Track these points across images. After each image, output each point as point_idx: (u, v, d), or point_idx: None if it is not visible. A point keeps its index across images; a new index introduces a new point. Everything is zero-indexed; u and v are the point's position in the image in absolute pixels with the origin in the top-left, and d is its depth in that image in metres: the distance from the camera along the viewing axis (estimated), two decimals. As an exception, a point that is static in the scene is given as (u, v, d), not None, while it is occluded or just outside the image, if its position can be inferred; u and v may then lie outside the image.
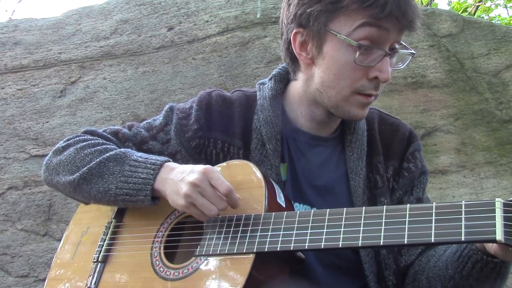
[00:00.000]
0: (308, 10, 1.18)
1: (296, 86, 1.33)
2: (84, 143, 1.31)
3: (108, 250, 1.28)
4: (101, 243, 1.29)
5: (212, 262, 1.08)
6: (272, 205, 1.10)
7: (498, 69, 2.95)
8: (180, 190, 1.09)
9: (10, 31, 3.06)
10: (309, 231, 1.00)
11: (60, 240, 1.45)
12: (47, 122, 2.81)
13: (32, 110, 2.84)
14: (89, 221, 1.40)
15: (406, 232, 0.91)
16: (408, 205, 0.94)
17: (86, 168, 1.24)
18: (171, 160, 1.23)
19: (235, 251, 1.05)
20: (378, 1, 1.11)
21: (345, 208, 1.00)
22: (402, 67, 1.26)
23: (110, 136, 1.38)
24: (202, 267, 1.08)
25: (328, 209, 1.02)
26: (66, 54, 2.97)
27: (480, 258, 1.05)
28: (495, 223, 0.84)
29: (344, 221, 0.98)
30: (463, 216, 0.87)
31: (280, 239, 1.02)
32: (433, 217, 0.90)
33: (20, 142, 2.76)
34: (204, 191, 1.07)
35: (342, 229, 0.97)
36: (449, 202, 0.92)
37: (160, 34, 2.99)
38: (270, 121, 1.30)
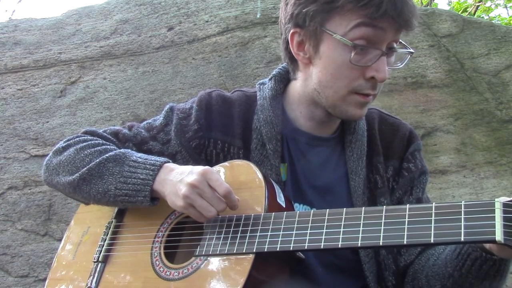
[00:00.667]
0: (304, 10, 1.18)
1: (296, 86, 1.33)
2: (84, 144, 1.31)
3: (108, 250, 1.28)
4: (102, 243, 1.30)
5: (212, 262, 1.08)
6: (272, 205, 1.10)
7: (498, 69, 2.95)
8: (179, 191, 1.09)
9: (10, 31, 3.06)
10: (308, 231, 1.00)
11: (60, 240, 1.45)
12: (47, 122, 2.81)
13: (32, 110, 2.84)
14: (89, 221, 1.40)
15: (405, 233, 0.91)
16: (407, 205, 0.94)
17: (85, 168, 1.24)
18: (170, 161, 1.23)
19: (235, 251, 1.05)
20: (373, 1, 1.11)
21: (344, 209, 1.00)
22: (401, 66, 1.25)
23: (110, 137, 1.38)
24: (202, 267, 1.08)
25: (327, 209, 1.02)
26: (66, 54, 2.97)
27: (479, 256, 1.04)
28: (495, 223, 0.83)
29: (344, 221, 0.98)
30: (462, 216, 0.87)
31: (279, 239, 1.02)
32: (433, 218, 0.90)
33: (20, 142, 2.76)
34: (202, 193, 1.07)
35: (342, 230, 0.97)
36: (448, 202, 0.92)
37: (160, 34, 2.99)
38: (270, 121, 1.30)
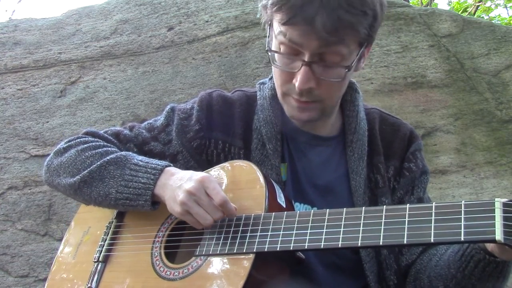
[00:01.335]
0: (259, 9, 1.20)
1: None
2: (85, 145, 1.30)
3: (109, 250, 1.28)
4: (102, 243, 1.30)
5: (212, 262, 1.08)
6: (273, 205, 1.10)
7: (498, 69, 2.95)
8: (177, 197, 1.09)
9: (10, 31, 3.06)
10: (308, 231, 1.00)
11: (60, 240, 1.45)
12: (47, 122, 2.81)
13: (32, 110, 2.84)
14: (90, 221, 1.40)
15: (405, 232, 0.91)
16: (407, 205, 0.94)
17: (87, 171, 1.24)
18: (171, 164, 1.23)
19: (235, 251, 1.05)
20: (285, 5, 1.07)
21: (344, 208, 1.00)
22: (338, 81, 1.15)
23: (111, 138, 1.38)
24: (202, 267, 1.08)
25: (327, 209, 1.02)
26: (66, 54, 2.97)
27: (483, 258, 1.04)
28: (495, 223, 0.84)
29: (344, 221, 0.98)
30: (462, 216, 0.87)
31: (280, 239, 1.02)
32: (433, 217, 0.90)
33: (20, 142, 2.76)
34: (199, 200, 1.07)
35: (342, 229, 0.97)
36: (448, 202, 0.92)
37: (160, 34, 2.99)
38: (269, 121, 1.30)
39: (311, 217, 1.02)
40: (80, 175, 1.25)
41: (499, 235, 0.82)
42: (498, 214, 0.84)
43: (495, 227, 0.83)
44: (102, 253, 1.28)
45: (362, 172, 1.29)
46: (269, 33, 1.20)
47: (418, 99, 2.87)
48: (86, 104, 2.84)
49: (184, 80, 2.87)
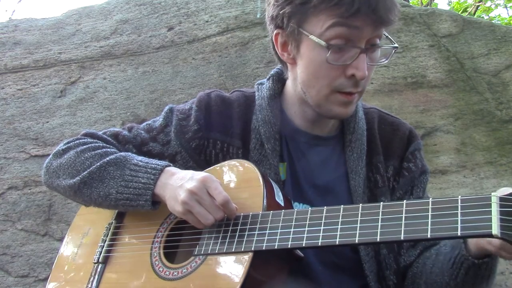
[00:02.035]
0: (281, 12, 1.19)
1: (289, 86, 1.34)
2: (85, 147, 1.31)
3: (108, 251, 1.28)
4: (102, 244, 1.30)
5: (211, 262, 1.08)
6: (271, 204, 1.10)
7: (498, 69, 2.95)
8: (178, 197, 1.09)
9: (10, 31, 3.06)
10: (306, 228, 1.01)
11: (60, 240, 1.46)
12: (47, 122, 2.81)
13: (32, 110, 2.84)
14: (90, 223, 1.41)
15: (402, 228, 0.91)
16: (404, 201, 0.94)
17: (86, 172, 1.24)
18: (171, 164, 1.23)
19: (233, 250, 1.05)
20: (345, 0, 1.10)
21: (342, 206, 1.01)
22: (386, 62, 1.24)
23: (110, 139, 1.38)
24: (201, 266, 1.08)
25: (325, 207, 1.02)
26: (66, 54, 2.97)
27: (472, 264, 1.05)
28: (491, 217, 0.83)
29: (341, 218, 0.99)
30: (459, 211, 0.87)
31: (277, 237, 1.02)
32: (429, 213, 0.90)
33: (20, 142, 2.76)
34: (201, 200, 1.08)
35: (339, 226, 0.98)
36: (445, 197, 0.92)
37: (160, 34, 2.99)
38: (268, 121, 1.30)
39: (308, 215, 1.02)
40: (80, 176, 1.25)
41: (495, 230, 0.82)
42: (495, 209, 0.84)
43: (491, 222, 0.83)
44: (101, 254, 1.28)
45: (361, 171, 1.29)
46: (298, 37, 1.19)
47: (418, 99, 2.87)
48: (86, 104, 2.84)
49: (184, 80, 2.87)
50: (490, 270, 1.07)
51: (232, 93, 1.41)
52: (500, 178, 2.69)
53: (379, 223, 0.94)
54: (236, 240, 1.06)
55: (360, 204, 0.99)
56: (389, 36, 1.21)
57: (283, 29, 1.22)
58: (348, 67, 1.16)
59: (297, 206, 1.27)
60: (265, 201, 1.09)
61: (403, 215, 0.92)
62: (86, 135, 1.39)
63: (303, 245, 0.99)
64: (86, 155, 1.28)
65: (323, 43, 1.13)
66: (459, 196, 0.89)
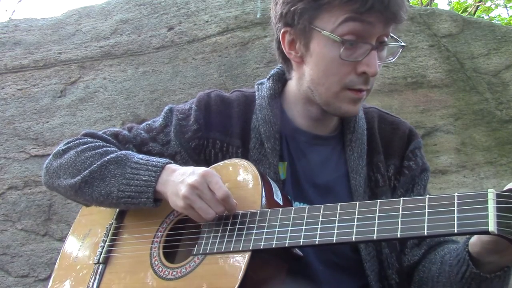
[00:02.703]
0: (292, 9, 1.19)
1: (291, 85, 1.34)
2: (85, 146, 1.31)
3: (109, 252, 1.28)
4: (102, 244, 1.30)
5: (209, 261, 1.08)
6: (269, 202, 1.10)
7: (498, 69, 2.95)
8: (179, 192, 1.09)
9: (10, 31, 3.06)
10: (303, 227, 1.01)
11: (60, 240, 1.46)
12: (47, 122, 2.81)
13: (32, 110, 2.84)
14: (91, 223, 1.41)
15: (399, 226, 0.91)
16: (401, 198, 0.94)
17: (87, 171, 1.24)
18: (172, 162, 1.23)
19: (231, 249, 1.05)
20: None
21: (339, 204, 1.00)
22: (393, 60, 1.25)
23: (110, 138, 1.38)
24: (200, 266, 1.08)
25: (322, 205, 1.02)
26: (66, 54, 2.97)
27: (484, 279, 1.03)
28: (488, 214, 0.83)
29: (338, 217, 0.98)
30: (455, 208, 0.87)
31: (275, 236, 1.02)
32: (426, 210, 0.90)
33: (20, 142, 2.76)
34: (202, 194, 1.08)
35: (336, 225, 0.98)
36: (442, 194, 0.92)
37: (160, 34, 2.99)
38: (268, 120, 1.30)
39: (306, 213, 1.02)
40: (81, 175, 1.25)
41: (492, 226, 0.82)
42: (491, 205, 0.83)
43: (488, 218, 0.83)
44: (102, 255, 1.28)
45: (362, 171, 1.30)
46: (308, 34, 1.19)
47: (418, 99, 2.87)
48: (86, 104, 2.84)
49: (184, 80, 2.87)
50: (503, 282, 1.05)
51: (232, 93, 1.41)
52: (500, 178, 2.69)
53: (376, 221, 0.94)
54: (234, 239, 1.06)
55: (357, 202, 0.99)
56: (394, 36, 1.22)
57: (292, 26, 1.22)
58: (358, 64, 1.16)
59: (297, 206, 1.27)
60: (263, 200, 1.09)
61: (400, 212, 0.92)
62: (86, 135, 1.39)
63: (301, 243, 0.99)
64: (87, 154, 1.28)
65: (337, 38, 1.14)
66: (456, 193, 0.89)
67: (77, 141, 1.35)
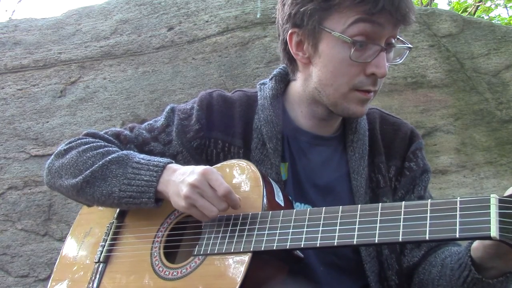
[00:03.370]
0: (301, 9, 1.19)
1: (296, 86, 1.33)
2: (86, 146, 1.31)
3: (109, 251, 1.28)
4: (103, 243, 1.30)
5: (210, 262, 1.08)
6: (271, 204, 1.10)
7: (498, 69, 2.95)
8: (180, 192, 1.09)
9: (10, 31, 3.06)
10: (305, 229, 1.00)
11: (60, 240, 1.46)
12: (47, 122, 2.81)
13: (32, 110, 2.84)
14: (91, 222, 1.41)
15: (401, 230, 0.91)
16: (403, 202, 0.94)
17: (89, 171, 1.24)
18: (173, 161, 1.23)
19: (232, 250, 1.05)
20: None
21: (340, 206, 1.00)
22: (400, 61, 1.26)
23: (112, 138, 1.38)
24: (200, 266, 1.08)
25: (324, 207, 1.02)
26: (66, 54, 2.97)
27: (487, 285, 1.03)
28: (490, 219, 0.83)
29: (340, 219, 0.98)
30: (458, 213, 0.87)
31: (276, 237, 1.02)
32: (428, 214, 0.90)
33: (20, 142, 2.76)
34: (203, 192, 1.07)
35: (338, 227, 0.97)
36: (444, 199, 0.92)
37: (160, 34, 2.99)
38: (270, 121, 1.30)
39: (307, 216, 1.02)
40: (83, 175, 1.25)
41: (494, 232, 0.81)
42: (494, 211, 0.83)
43: (490, 224, 0.82)
44: (102, 254, 1.28)
45: (363, 172, 1.29)
46: (318, 35, 1.19)
47: (418, 99, 2.87)
48: (86, 104, 2.84)
49: (184, 80, 2.87)
50: (505, 286, 1.04)
51: (234, 93, 1.41)
52: (500, 178, 2.70)
53: (378, 225, 0.93)
54: (235, 240, 1.06)
55: (359, 205, 0.99)
56: (400, 38, 1.22)
57: (301, 27, 1.21)
58: (368, 65, 1.17)
59: (299, 206, 1.26)
60: (265, 201, 1.09)
61: (402, 216, 0.92)
62: (88, 135, 1.39)
63: (302, 245, 0.99)
64: (88, 154, 1.28)
65: (348, 39, 1.14)
66: (458, 198, 0.89)
67: (79, 141, 1.35)
